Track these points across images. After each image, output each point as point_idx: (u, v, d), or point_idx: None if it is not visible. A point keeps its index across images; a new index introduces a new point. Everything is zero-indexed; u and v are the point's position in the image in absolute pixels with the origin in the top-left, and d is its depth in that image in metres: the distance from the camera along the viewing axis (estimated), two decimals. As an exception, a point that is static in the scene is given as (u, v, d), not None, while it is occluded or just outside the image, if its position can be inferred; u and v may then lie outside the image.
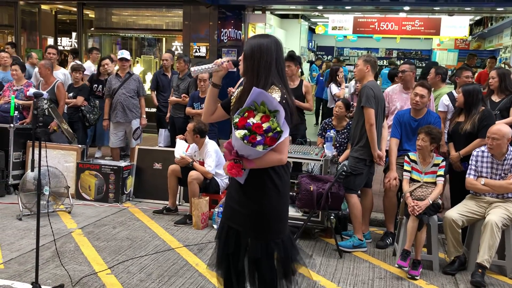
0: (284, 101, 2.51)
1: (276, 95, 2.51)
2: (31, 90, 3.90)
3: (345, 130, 5.68)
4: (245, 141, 2.40)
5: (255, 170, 2.55)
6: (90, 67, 8.63)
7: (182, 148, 5.65)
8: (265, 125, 2.40)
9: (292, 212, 5.14)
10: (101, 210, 5.85)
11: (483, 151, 4.46)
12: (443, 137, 5.04)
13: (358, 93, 4.92)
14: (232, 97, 2.76)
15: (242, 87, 2.68)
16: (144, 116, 7.15)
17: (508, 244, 4.37)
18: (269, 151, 2.46)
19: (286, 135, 2.45)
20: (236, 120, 2.45)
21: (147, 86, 9.34)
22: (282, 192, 2.63)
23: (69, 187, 5.77)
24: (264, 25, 12.72)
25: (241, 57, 2.65)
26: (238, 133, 2.41)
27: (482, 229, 4.21)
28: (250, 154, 2.47)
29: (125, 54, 7.05)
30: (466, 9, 11.34)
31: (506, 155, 4.36)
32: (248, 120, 2.41)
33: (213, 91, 2.77)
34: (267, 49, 2.56)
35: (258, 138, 2.39)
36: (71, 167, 6.29)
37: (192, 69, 2.78)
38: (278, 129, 2.41)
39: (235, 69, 2.71)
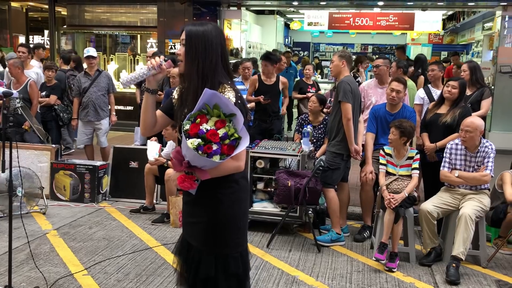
0: (239, 101, 2.16)
1: (230, 94, 2.17)
2: (0, 89, 3.80)
3: (322, 126, 5.69)
4: (199, 152, 2.03)
5: None
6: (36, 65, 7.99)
7: (154, 150, 5.47)
8: (220, 132, 2.04)
9: (270, 207, 5.16)
10: (76, 210, 5.76)
11: (456, 144, 4.53)
12: (417, 129, 5.11)
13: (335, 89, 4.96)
14: (174, 99, 2.37)
15: (180, 86, 2.33)
16: (114, 113, 7.04)
17: (481, 234, 4.46)
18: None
19: (246, 141, 2.08)
20: (187, 127, 2.07)
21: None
22: (238, 197, 2.29)
23: (43, 187, 5.65)
24: (240, 21, 12.69)
25: (178, 51, 2.26)
26: (191, 143, 2.03)
27: (456, 222, 4.27)
28: (204, 165, 2.11)
29: (91, 51, 6.89)
30: (438, 3, 11.50)
31: (479, 148, 4.43)
32: (201, 127, 2.04)
33: (151, 99, 2.30)
34: (210, 40, 2.18)
35: (214, 147, 2.04)
36: (45, 167, 6.17)
37: (120, 80, 2.45)
38: (236, 135, 2.07)
39: (176, 68, 2.34)
